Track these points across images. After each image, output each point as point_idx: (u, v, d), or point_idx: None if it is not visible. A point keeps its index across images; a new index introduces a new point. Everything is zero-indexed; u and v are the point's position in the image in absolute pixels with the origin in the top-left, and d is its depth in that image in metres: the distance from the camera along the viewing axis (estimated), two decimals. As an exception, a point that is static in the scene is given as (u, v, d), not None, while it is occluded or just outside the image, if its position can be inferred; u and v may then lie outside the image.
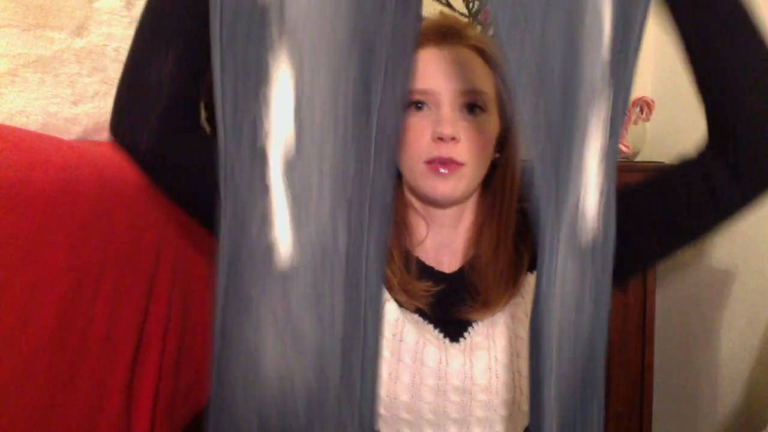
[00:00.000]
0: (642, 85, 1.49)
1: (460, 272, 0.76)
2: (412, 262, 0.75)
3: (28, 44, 0.90)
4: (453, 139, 0.69)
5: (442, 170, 0.70)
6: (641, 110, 1.12)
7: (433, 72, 0.70)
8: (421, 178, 0.72)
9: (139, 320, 0.81)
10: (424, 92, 0.70)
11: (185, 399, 0.96)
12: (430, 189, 0.71)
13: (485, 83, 0.72)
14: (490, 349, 0.71)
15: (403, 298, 0.73)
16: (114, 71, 0.99)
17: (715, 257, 1.17)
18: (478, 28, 0.75)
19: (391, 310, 0.73)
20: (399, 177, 0.78)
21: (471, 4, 1.29)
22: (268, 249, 0.50)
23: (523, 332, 0.71)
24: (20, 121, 0.87)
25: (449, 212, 0.76)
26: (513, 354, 0.71)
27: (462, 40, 0.72)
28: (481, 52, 0.72)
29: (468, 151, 0.70)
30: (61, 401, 0.63)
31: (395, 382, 0.69)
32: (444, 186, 0.70)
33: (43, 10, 0.92)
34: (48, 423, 0.61)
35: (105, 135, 0.99)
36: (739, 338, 1.07)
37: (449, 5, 1.32)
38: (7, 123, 0.85)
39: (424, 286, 0.73)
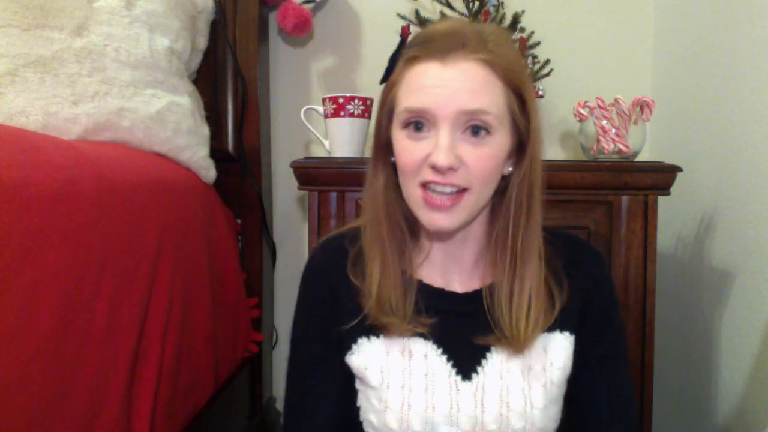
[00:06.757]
0: (642, 85, 1.49)
1: (478, 294, 0.73)
2: (413, 286, 0.72)
3: (28, 44, 0.90)
4: (450, 168, 0.63)
5: (440, 203, 0.65)
6: (641, 110, 1.12)
7: (430, 90, 0.64)
8: (416, 206, 0.68)
9: (139, 320, 0.81)
10: (420, 112, 0.64)
11: (185, 399, 0.96)
12: (426, 221, 0.67)
13: (492, 100, 0.64)
14: (502, 395, 0.69)
15: (404, 326, 0.69)
16: (114, 71, 1.00)
17: (715, 257, 1.17)
18: (492, 33, 0.66)
19: (390, 342, 0.71)
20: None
21: (471, 4, 1.29)
22: None
23: (538, 385, 0.70)
24: (20, 121, 0.87)
25: (455, 233, 0.72)
26: (527, 403, 0.69)
27: (468, 53, 0.64)
28: (491, 65, 0.64)
29: (471, 177, 0.65)
30: (61, 401, 0.63)
31: (409, 410, 0.68)
32: (442, 219, 0.66)
33: (43, 10, 0.92)
34: (48, 423, 0.61)
35: (105, 135, 0.99)
36: (739, 338, 1.07)
37: (449, 5, 1.32)
38: (7, 123, 0.85)
39: (422, 319, 0.70)
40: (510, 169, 0.70)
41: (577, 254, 0.76)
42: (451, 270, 0.75)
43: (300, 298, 0.78)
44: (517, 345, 0.69)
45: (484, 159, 0.65)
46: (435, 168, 0.64)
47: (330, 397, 0.73)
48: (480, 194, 0.67)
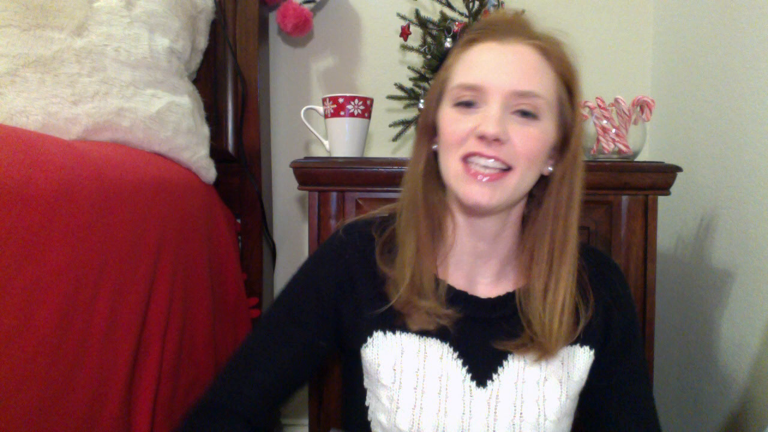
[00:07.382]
0: (642, 85, 1.49)
1: (501, 300, 0.71)
2: (440, 287, 0.70)
3: (28, 44, 0.90)
4: (497, 140, 0.62)
5: (481, 177, 0.64)
6: (641, 110, 1.12)
7: (485, 67, 0.65)
8: (455, 178, 0.66)
9: (139, 320, 0.81)
10: (472, 87, 0.65)
11: (185, 399, 0.96)
12: (463, 193, 0.65)
13: (543, 86, 0.65)
14: (516, 404, 0.68)
15: (436, 312, 0.68)
16: (114, 71, 1.00)
17: (715, 257, 1.17)
18: (548, 31, 0.70)
19: (406, 340, 0.69)
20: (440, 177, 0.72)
21: (471, 4, 1.29)
22: None
23: (553, 397, 0.69)
24: (20, 121, 0.87)
25: (489, 223, 0.70)
26: (540, 415, 0.68)
27: (525, 38, 0.66)
28: (545, 53, 0.66)
29: (516, 156, 0.64)
30: (61, 401, 0.63)
31: (421, 413, 0.67)
32: (480, 194, 0.64)
33: (43, 10, 0.92)
34: (48, 423, 0.61)
35: (105, 135, 0.99)
36: (739, 338, 1.07)
37: (449, 5, 1.32)
38: (7, 123, 0.85)
39: (450, 312, 0.68)
40: (550, 168, 0.69)
41: (600, 268, 0.75)
42: (477, 273, 0.73)
43: (305, 269, 0.76)
44: (549, 345, 0.67)
45: (531, 139, 0.64)
46: (482, 138, 0.63)
47: (280, 367, 0.71)
48: (523, 177, 0.65)
